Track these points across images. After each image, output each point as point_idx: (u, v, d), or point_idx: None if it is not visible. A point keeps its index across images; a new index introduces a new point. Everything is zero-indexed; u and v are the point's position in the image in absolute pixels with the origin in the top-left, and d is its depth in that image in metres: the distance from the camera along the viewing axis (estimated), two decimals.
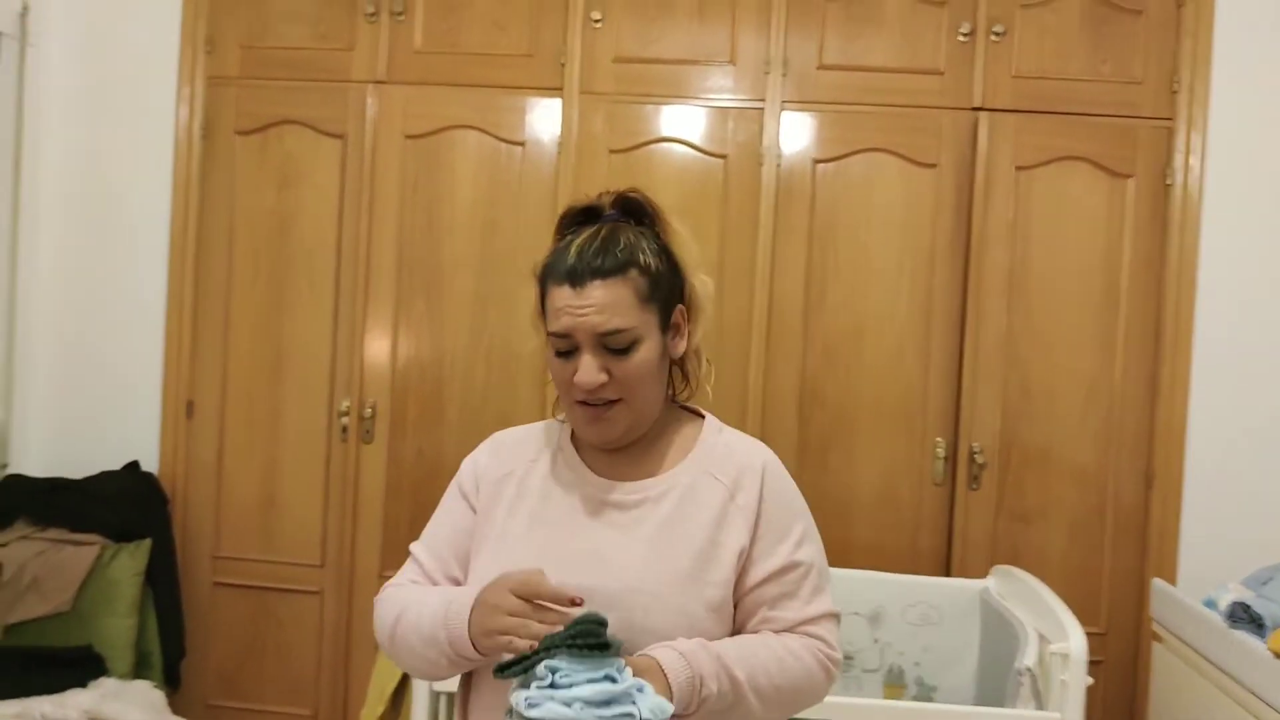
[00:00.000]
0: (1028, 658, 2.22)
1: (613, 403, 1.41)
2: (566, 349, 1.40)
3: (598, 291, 1.37)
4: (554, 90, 3.21)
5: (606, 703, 1.21)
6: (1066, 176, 3.12)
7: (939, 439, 3.11)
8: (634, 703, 1.21)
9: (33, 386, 3.31)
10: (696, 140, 3.20)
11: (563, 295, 1.39)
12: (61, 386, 3.32)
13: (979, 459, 3.09)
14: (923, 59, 3.16)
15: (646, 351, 1.41)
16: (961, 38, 3.13)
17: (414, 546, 1.54)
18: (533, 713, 1.20)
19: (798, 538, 1.44)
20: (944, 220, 3.14)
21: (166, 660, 3.08)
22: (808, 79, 3.18)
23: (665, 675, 1.28)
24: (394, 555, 3.18)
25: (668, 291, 1.44)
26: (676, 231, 1.48)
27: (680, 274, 1.47)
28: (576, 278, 1.38)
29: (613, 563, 1.38)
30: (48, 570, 2.90)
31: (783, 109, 3.17)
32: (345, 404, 3.23)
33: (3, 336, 3.21)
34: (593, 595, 1.32)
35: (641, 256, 1.41)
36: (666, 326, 1.45)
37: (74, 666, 2.77)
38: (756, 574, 1.41)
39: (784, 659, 1.38)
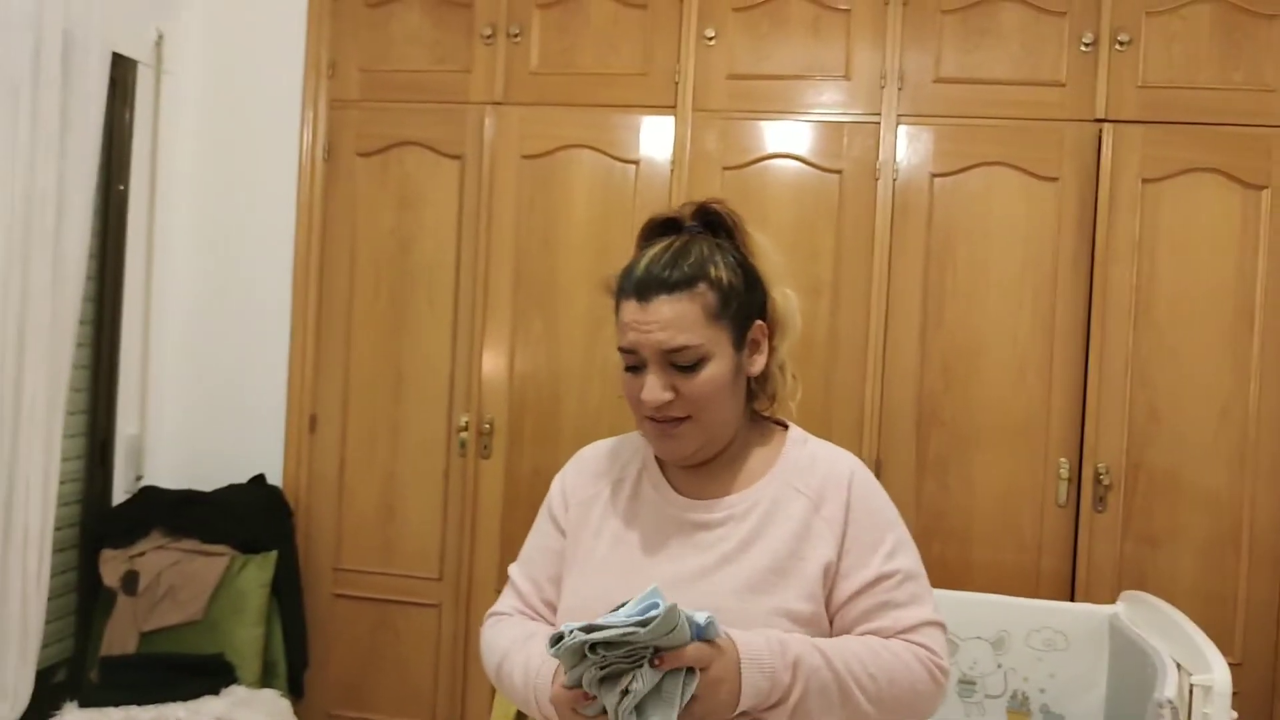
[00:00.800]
0: (1168, 689, 2.15)
1: (681, 420, 1.37)
2: (634, 364, 1.38)
3: (664, 307, 1.34)
4: (667, 108, 3.23)
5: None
6: (1196, 189, 3.02)
7: (1062, 459, 3.03)
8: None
9: (166, 403, 3.43)
10: (811, 156, 3.18)
11: (629, 310, 1.36)
12: (192, 403, 3.44)
13: (1104, 480, 3.00)
14: (1043, 70, 3.09)
15: (715, 369, 1.36)
16: (1084, 48, 3.05)
17: (512, 569, 1.56)
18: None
19: (889, 548, 1.38)
20: (1066, 235, 3.06)
21: (291, 670, 3.16)
22: (924, 92, 3.14)
23: (737, 649, 1.25)
24: None
25: (743, 307, 1.39)
26: (758, 243, 1.44)
27: (760, 288, 1.42)
28: (643, 292, 1.35)
29: (694, 587, 1.36)
30: (181, 580, 3.00)
31: (899, 123, 3.14)
32: (464, 419, 3.29)
33: (138, 356, 3.33)
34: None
35: (713, 270, 1.37)
36: (742, 343, 1.40)
37: (207, 674, 2.87)
38: (848, 588, 1.36)
39: (881, 654, 1.32)
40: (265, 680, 3.05)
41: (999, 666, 2.73)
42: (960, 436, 3.09)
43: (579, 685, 1.25)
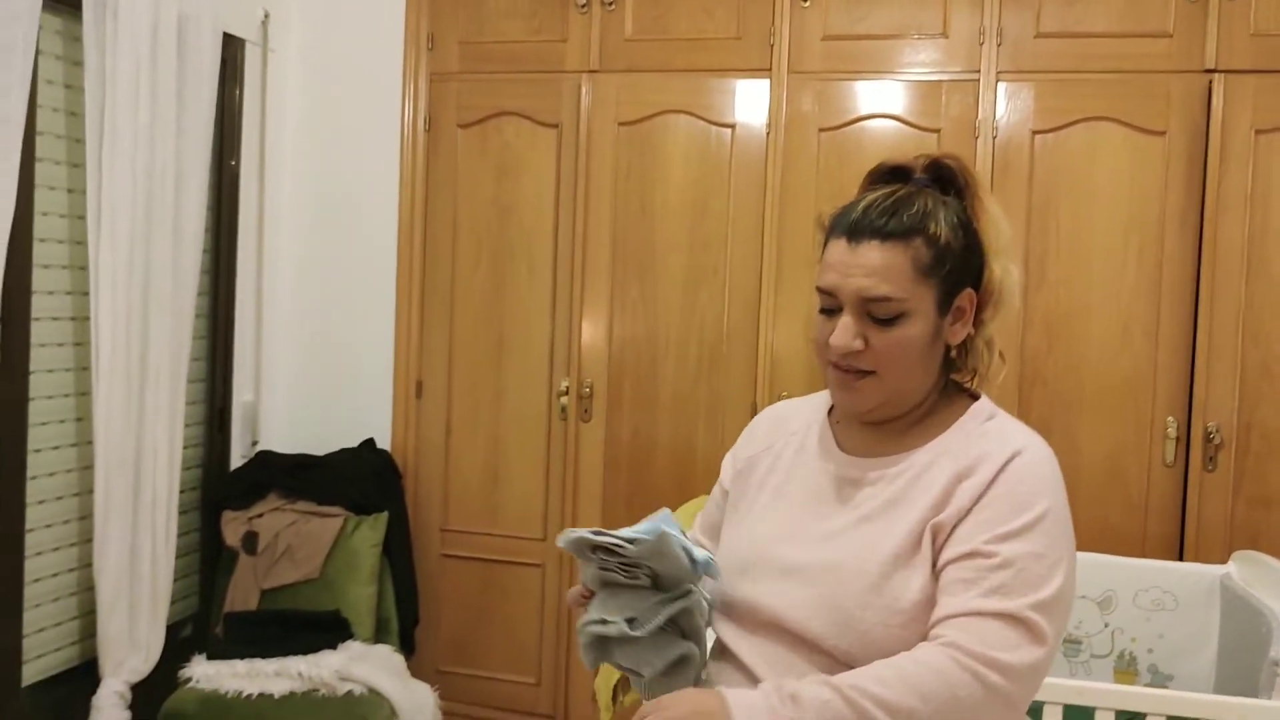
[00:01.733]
0: None
1: (866, 373, 1.31)
2: (830, 306, 1.32)
3: (873, 253, 1.28)
4: (762, 71, 3.22)
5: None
6: None
7: (1171, 419, 2.98)
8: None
9: (279, 372, 3.56)
10: (908, 115, 3.15)
11: (838, 250, 1.31)
12: (304, 371, 3.57)
13: (1215, 439, 2.94)
14: (1149, 21, 3.01)
15: (912, 328, 1.29)
16: None
17: (701, 520, 1.57)
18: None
19: (1012, 530, 1.23)
20: (1174, 190, 2.99)
21: (402, 626, 3.27)
22: (1024, 48, 3.08)
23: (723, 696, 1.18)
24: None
25: (956, 270, 1.31)
26: (987, 209, 1.34)
27: (979, 255, 1.33)
28: (855, 234, 1.30)
29: (832, 541, 1.32)
30: (298, 540, 3.12)
31: (998, 80, 3.09)
32: (564, 384, 3.35)
33: (252, 326, 3.46)
34: (799, 574, 1.31)
35: (933, 226, 1.29)
36: (948, 307, 1.32)
37: (325, 630, 2.99)
38: (950, 551, 1.25)
39: (905, 668, 1.18)
40: (379, 636, 3.17)
41: (1105, 626, 2.71)
42: (1064, 398, 3.05)
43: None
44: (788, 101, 3.20)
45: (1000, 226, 1.34)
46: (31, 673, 2.74)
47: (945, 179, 1.36)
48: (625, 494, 3.30)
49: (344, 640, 2.99)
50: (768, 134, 3.21)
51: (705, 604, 1.38)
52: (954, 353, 1.37)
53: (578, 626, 1.37)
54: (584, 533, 1.31)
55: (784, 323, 3.20)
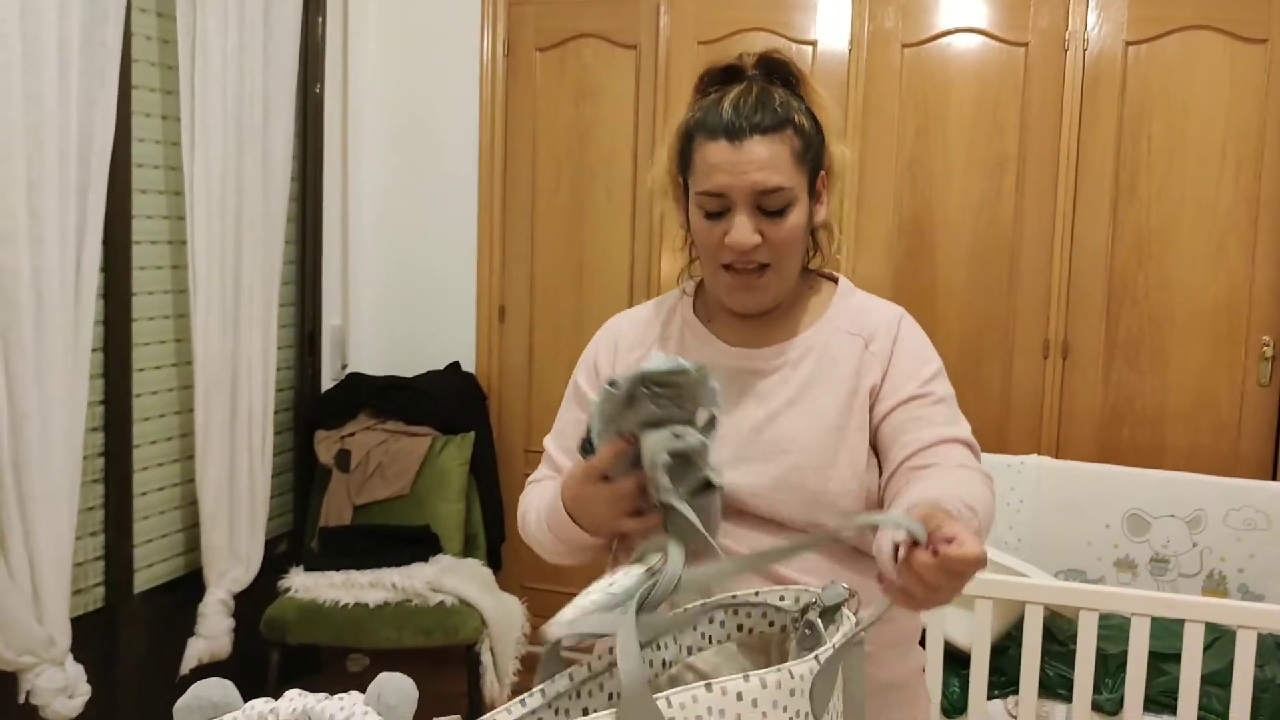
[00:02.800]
0: None
1: (763, 268, 1.36)
2: (718, 209, 1.34)
3: (758, 148, 1.31)
4: None
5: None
6: None
7: (1266, 338, 2.91)
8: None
9: (366, 296, 3.64)
10: (994, 29, 3.08)
11: (718, 150, 1.32)
12: (390, 296, 3.64)
13: None
14: None
15: (798, 215, 1.35)
16: None
17: (547, 441, 1.56)
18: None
19: (929, 375, 1.38)
20: (1275, 100, 2.89)
21: (489, 543, 3.36)
22: None
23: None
24: None
25: (814, 156, 1.37)
26: (820, 95, 1.40)
27: (822, 139, 1.39)
28: (735, 133, 1.31)
29: (763, 431, 1.36)
30: (389, 458, 3.22)
31: None
32: None
33: (338, 250, 3.54)
34: (747, 463, 1.33)
35: (796, 115, 1.35)
36: (813, 191, 1.39)
37: (416, 544, 3.09)
38: (887, 404, 1.35)
39: (961, 479, 1.26)
40: (467, 551, 3.26)
41: (1194, 546, 2.68)
42: (1154, 316, 2.99)
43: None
44: (870, 17, 3.15)
45: (832, 110, 1.41)
46: (142, 581, 2.88)
47: (778, 72, 1.39)
48: None
49: (434, 554, 3.09)
50: (850, 50, 3.17)
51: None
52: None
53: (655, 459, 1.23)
54: (626, 379, 1.23)
55: (867, 247, 3.17)
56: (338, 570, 3.01)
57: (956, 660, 2.30)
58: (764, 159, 1.31)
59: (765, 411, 1.38)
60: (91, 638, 2.66)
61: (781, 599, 1.14)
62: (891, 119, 3.12)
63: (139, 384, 2.83)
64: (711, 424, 1.26)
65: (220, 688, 1.47)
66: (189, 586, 2.98)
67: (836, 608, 1.10)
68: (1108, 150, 2.99)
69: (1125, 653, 2.16)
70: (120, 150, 2.67)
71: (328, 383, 3.52)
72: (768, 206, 1.33)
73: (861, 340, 1.40)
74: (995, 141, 3.05)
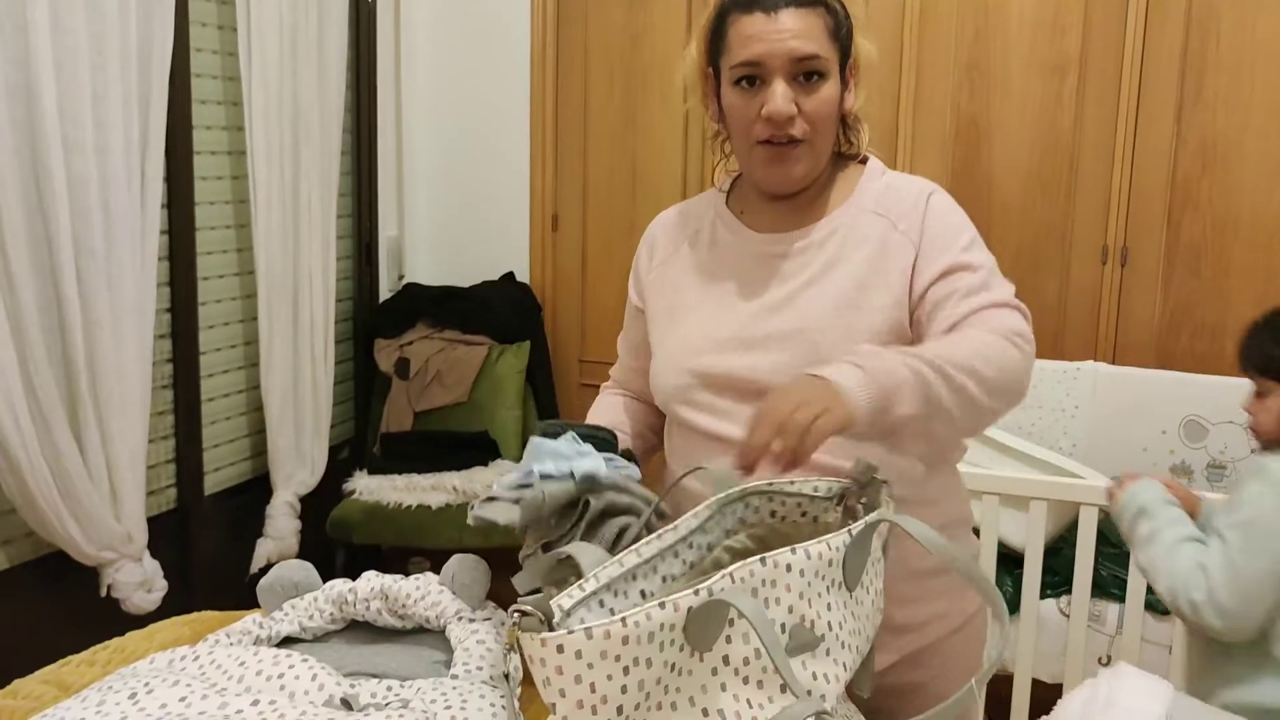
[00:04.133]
0: None
1: (796, 142, 1.36)
2: (752, 77, 1.35)
3: (793, 18, 1.33)
4: None
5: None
6: None
7: None
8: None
9: (421, 207, 3.67)
10: None
11: (754, 22, 1.34)
12: (445, 206, 3.67)
13: None
14: None
15: (831, 89, 1.36)
16: None
17: (620, 341, 1.65)
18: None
19: (965, 244, 1.36)
20: None
21: None
22: None
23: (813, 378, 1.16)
24: None
25: (846, 37, 1.39)
26: None
27: (852, 28, 1.40)
28: (770, 5, 1.33)
29: (781, 312, 1.38)
30: (447, 365, 3.28)
31: None
32: None
33: (393, 162, 3.56)
34: (766, 343, 1.36)
35: None
36: (844, 73, 1.39)
37: (475, 448, 3.16)
38: (923, 280, 1.35)
39: (962, 339, 1.26)
40: None
41: (1252, 451, 2.67)
42: (1217, 223, 2.94)
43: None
44: None
45: (861, 6, 1.42)
46: (212, 484, 2.98)
47: None
48: None
49: (494, 459, 3.16)
50: None
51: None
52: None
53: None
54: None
55: (923, 152, 3.14)
56: (400, 474, 3.10)
57: (1010, 560, 2.33)
58: (800, 28, 1.33)
59: (785, 291, 1.41)
60: (165, 537, 2.76)
61: (815, 489, 1.18)
62: (949, 20, 3.06)
63: (204, 292, 2.90)
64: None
65: (301, 569, 1.55)
66: (257, 489, 3.07)
67: (874, 488, 1.15)
68: (1174, 50, 2.91)
69: None
70: (179, 60, 2.70)
71: (385, 293, 3.57)
72: (805, 71, 1.34)
73: (889, 221, 1.40)
74: (1056, 43, 2.99)
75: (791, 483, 1.18)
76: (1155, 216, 2.97)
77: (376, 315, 3.47)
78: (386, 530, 3.00)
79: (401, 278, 3.62)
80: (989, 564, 2.27)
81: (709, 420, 1.42)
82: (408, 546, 2.98)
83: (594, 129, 3.48)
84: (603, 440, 1.38)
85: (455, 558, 1.51)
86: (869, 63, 1.42)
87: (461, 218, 3.65)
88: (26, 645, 2.08)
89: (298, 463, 3.09)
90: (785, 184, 1.41)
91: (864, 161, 1.48)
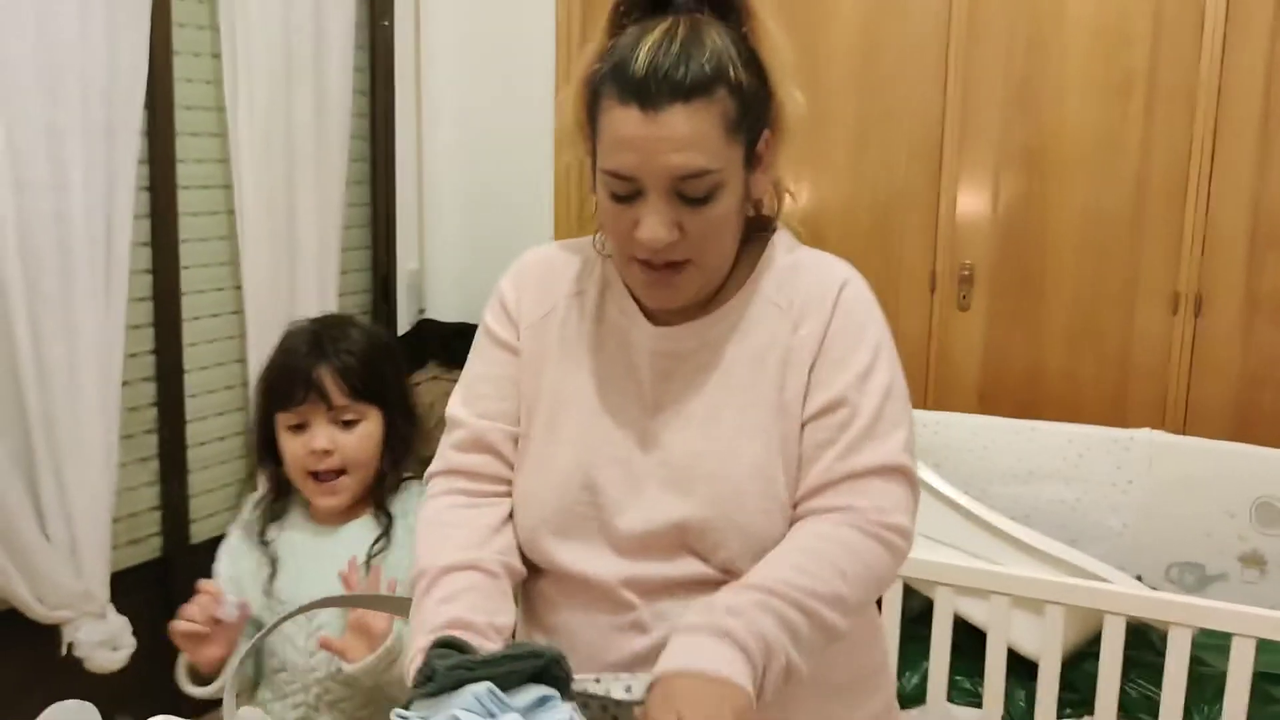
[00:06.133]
0: None
1: (681, 264, 1.11)
2: (627, 193, 1.08)
3: (678, 119, 1.03)
4: None
5: None
6: None
7: None
8: None
9: (442, 240, 3.50)
10: None
11: (629, 120, 1.04)
12: (468, 239, 3.49)
13: None
14: None
15: (728, 200, 1.09)
16: None
17: (455, 410, 1.26)
18: None
19: (864, 365, 1.13)
20: None
21: None
22: None
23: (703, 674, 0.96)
24: None
25: (756, 115, 1.09)
26: (769, 32, 1.10)
27: (769, 88, 1.11)
28: (649, 98, 1.03)
29: (673, 434, 1.15)
30: None
31: None
32: None
33: (413, 194, 3.41)
34: (656, 480, 1.14)
35: (732, 69, 1.05)
36: (751, 160, 1.11)
37: None
38: (811, 406, 1.13)
39: (822, 550, 1.07)
40: None
41: None
42: None
43: None
44: None
45: (781, 48, 1.11)
46: (199, 531, 2.86)
47: (714, 2, 1.09)
48: None
49: None
50: None
51: None
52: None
53: None
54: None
55: (970, 182, 2.81)
56: None
57: (1024, 669, 2.00)
58: (685, 136, 1.04)
59: (676, 412, 1.17)
60: (146, 588, 2.65)
61: (629, 689, 1.00)
62: (999, 30, 2.73)
63: (191, 333, 2.78)
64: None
65: (80, 711, 1.37)
66: None
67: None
68: (1257, 65, 2.52)
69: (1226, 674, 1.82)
70: (162, 91, 2.59)
71: (405, 328, 3.42)
72: (689, 193, 1.07)
73: (790, 321, 1.16)
74: (1119, 56, 2.63)
75: (597, 680, 1.01)
76: (1235, 258, 2.58)
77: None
78: None
79: (422, 311, 3.47)
80: (997, 674, 1.95)
81: (571, 558, 1.18)
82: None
83: None
84: (537, 668, 0.99)
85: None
86: (795, 119, 1.15)
87: (486, 251, 3.47)
88: None
89: None
90: (667, 306, 1.17)
91: (765, 225, 1.22)
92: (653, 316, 1.20)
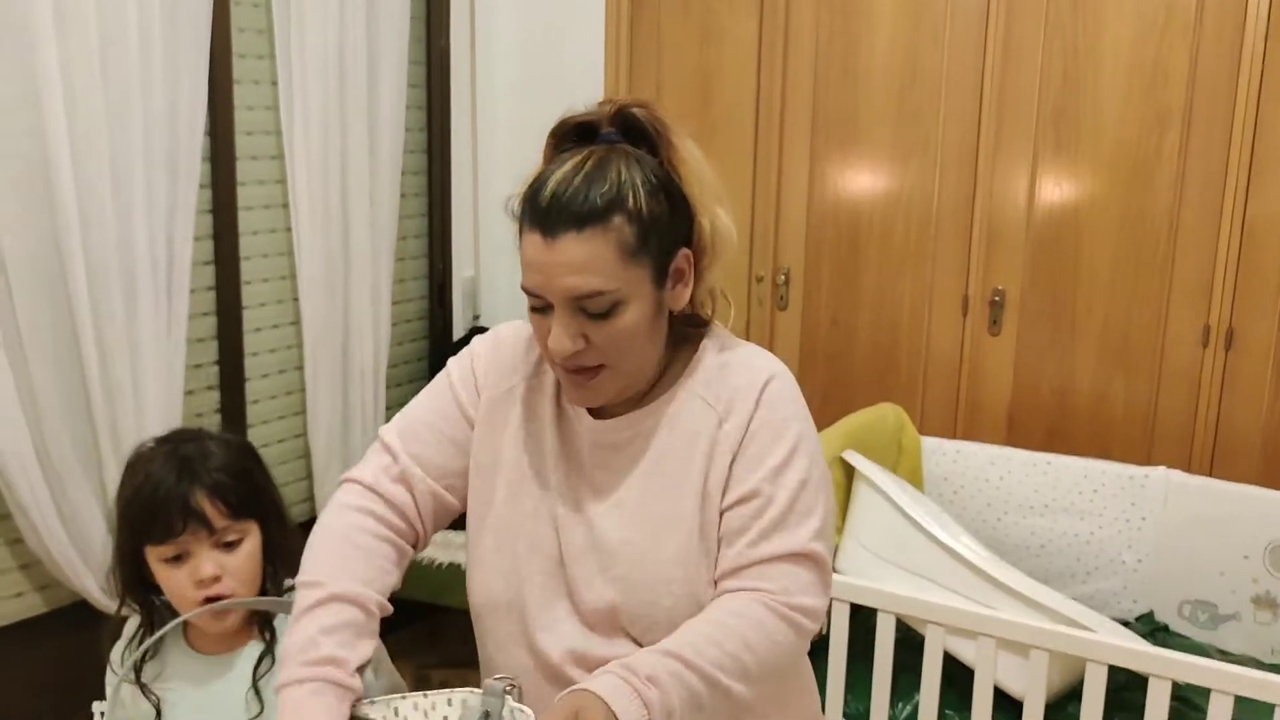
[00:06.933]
0: None
1: (596, 369, 1.21)
2: (539, 306, 1.19)
3: (572, 246, 1.13)
4: None
5: None
6: None
7: None
8: None
9: (498, 248, 3.62)
10: None
11: (533, 245, 1.16)
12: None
13: None
14: None
15: (632, 315, 1.17)
16: None
17: (388, 433, 1.33)
18: None
19: (781, 457, 1.21)
20: None
21: None
22: None
23: (609, 707, 1.07)
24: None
25: (665, 238, 1.18)
26: (685, 158, 1.19)
27: (686, 212, 1.20)
28: (549, 225, 1.14)
29: (610, 538, 1.25)
30: None
31: None
32: (762, 271, 3.16)
33: (469, 203, 3.53)
34: (598, 564, 1.24)
35: (631, 198, 1.14)
36: (664, 277, 1.20)
37: None
38: (731, 496, 1.22)
39: (729, 623, 1.16)
40: None
41: None
42: None
43: None
44: None
45: (701, 173, 1.20)
46: None
47: (636, 131, 1.19)
48: (822, 388, 3.11)
49: None
50: None
51: None
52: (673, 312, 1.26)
53: None
54: None
55: (1003, 202, 2.81)
56: (453, 529, 3.06)
57: (1012, 706, 2.05)
58: (577, 261, 1.14)
59: (614, 497, 1.27)
60: None
61: (450, 702, 1.13)
62: (1033, 62, 2.71)
63: (252, 344, 2.96)
64: None
65: None
66: (307, 534, 3.12)
67: (496, 712, 1.10)
68: None
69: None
70: (222, 118, 2.75)
71: (459, 334, 3.55)
72: (590, 309, 1.17)
73: (716, 416, 1.24)
74: (1158, 92, 2.59)
75: (425, 695, 1.14)
76: (1268, 292, 2.53)
77: (444, 358, 3.45)
78: (417, 586, 2.98)
79: (476, 318, 3.60)
80: (984, 712, 2.00)
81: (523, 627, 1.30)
82: (433, 604, 2.95)
83: None
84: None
85: None
86: (722, 238, 1.24)
87: None
88: (59, 687, 2.19)
89: None
90: (587, 405, 1.28)
91: (699, 323, 1.32)
92: (593, 409, 1.29)
